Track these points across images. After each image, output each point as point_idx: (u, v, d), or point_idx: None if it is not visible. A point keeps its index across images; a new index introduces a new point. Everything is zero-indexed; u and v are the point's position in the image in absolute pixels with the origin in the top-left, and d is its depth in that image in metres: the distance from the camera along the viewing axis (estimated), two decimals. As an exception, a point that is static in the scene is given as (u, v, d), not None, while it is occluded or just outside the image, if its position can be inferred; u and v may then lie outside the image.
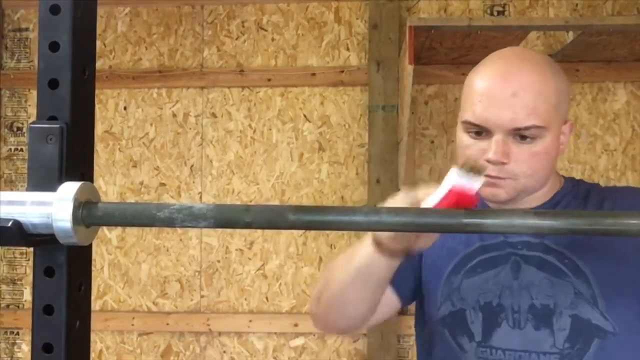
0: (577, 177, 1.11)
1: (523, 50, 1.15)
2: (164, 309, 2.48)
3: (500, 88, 0.95)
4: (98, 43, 2.54)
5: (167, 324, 2.45)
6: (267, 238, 2.46)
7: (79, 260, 0.58)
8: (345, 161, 2.46)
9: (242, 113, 2.50)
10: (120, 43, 2.56)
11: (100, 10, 2.53)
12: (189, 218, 0.55)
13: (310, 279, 2.44)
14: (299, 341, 2.44)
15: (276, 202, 2.47)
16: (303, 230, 2.42)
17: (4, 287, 2.55)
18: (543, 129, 0.95)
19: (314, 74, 2.46)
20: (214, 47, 2.53)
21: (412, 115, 2.41)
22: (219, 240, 2.48)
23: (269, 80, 2.48)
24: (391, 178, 2.35)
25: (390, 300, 1.08)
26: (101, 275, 2.50)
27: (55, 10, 0.58)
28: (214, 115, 2.51)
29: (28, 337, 2.48)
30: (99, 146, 2.52)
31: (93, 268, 2.50)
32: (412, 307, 1.15)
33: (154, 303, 2.49)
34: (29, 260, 2.53)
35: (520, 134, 0.94)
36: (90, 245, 0.59)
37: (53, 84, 0.58)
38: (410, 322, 2.31)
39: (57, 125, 0.57)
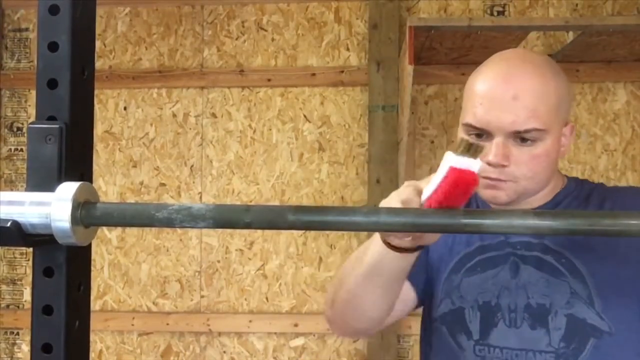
0: (577, 177, 1.11)
1: (524, 52, 1.14)
2: (164, 309, 2.48)
3: (501, 90, 0.95)
4: (98, 43, 2.54)
5: (167, 324, 2.45)
6: (267, 238, 2.46)
7: (78, 261, 0.58)
8: (345, 161, 2.46)
9: (242, 113, 2.50)
10: (120, 43, 2.56)
11: (100, 10, 2.53)
12: (188, 218, 0.55)
13: (310, 279, 2.44)
14: (299, 341, 2.44)
15: (276, 202, 2.47)
16: (303, 231, 2.42)
17: (4, 287, 2.55)
18: (543, 132, 0.95)
19: (314, 74, 2.46)
20: (214, 47, 2.53)
21: (412, 115, 2.41)
22: (219, 241, 2.48)
23: (269, 80, 2.48)
24: (391, 178, 2.35)
25: (407, 296, 1.07)
26: (101, 275, 2.50)
27: (54, 10, 0.58)
28: (214, 115, 2.51)
29: (28, 337, 2.48)
30: (99, 146, 2.52)
31: (93, 268, 2.50)
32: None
33: (154, 303, 2.49)
34: (29, 260, 2.53)
35: (521, 137, 0.95)
36: (89, 246, 0.59)
37: (52, 84, 0.58)
38: (410, 322, 2.33)
39: (57, 126, 0.57)
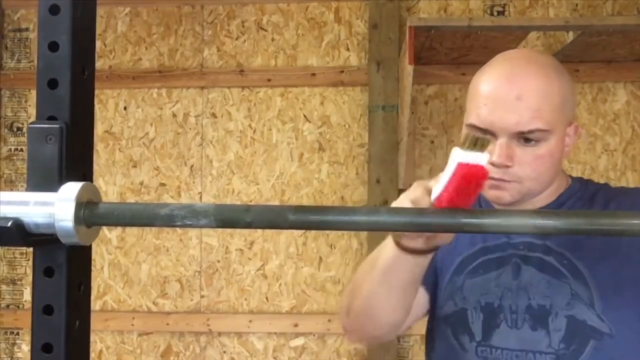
0: (582, 178, 1.11)
1: (528, 52, 1.14)
2: (164, 309, 2.48)
3: (505, 91, 0.95)
4: (98, 43, 2.54)
5: (167, 324, 2.45)
6: (267, 238, 2.46)
7: (78, 261, 0.58)
8: (345, 161, 2.47)
9: (242, 113, 2.50)
10: (120, 43, 2.56)
11: (100, 10, 2.53)
12: (189, 218, 0.55)
13: (310, 279, 2.44)
14: (299, 341, 2.44)
15: (276, 202, 2.47)
16: (303, 230, 2.42)
17: (4, 287, 2.55)
18: (547, 132, 0.94)
19: (314, 74, 2.46)
20: (214, 47, 2.53)
21: (412, 115, 2.41)
22: (219, 240, 2.48)
23: (269, 80, 2.48)
24: (391, 178, 2.35)
25: (421, 299, 1.06)
26: (101, 275, 2.50)
27: (54, 10, 0.58)
28: (214, 115, 2.51)
29: (28, 337, 2.48)
30: (99, 146, 2.52)
31: (93, 268, 2.50)
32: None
33: (154, 303, 2.49)
34: (29, 260, 2.53)
35: (525, 137, 0.94)
36: (89, 246, 0.59)
37: (52, 84, 0.58)
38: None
39: (57, 125, 0.57)
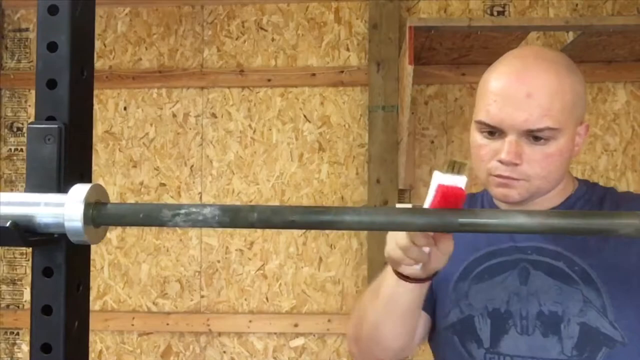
0: (587, 180, 1.09)
1: (539, 49, 1.12)
2: (164, 309, 2.48)
3: (515, 88, 0.94)
4: (98, 43, 2.54)
5: (167, 324, 2.45)
6: (267, 238, 2.46)
7: (77, 261, 0.58)
8: (345, 161, 2.46)
9: (242, 113, 2.50)
10: (120, 43, 2.56)
11: (100, 10, 2.53)
12: (195, 218, 0.55)
13: (310, 279, 2.44)
14: (299, 341, 2.44)
15: (276, 203, 2.47)
16: (303, 230, 2.42)
17: (4, 287, 2.55)
18: (557, 131, 0.93)
19: (314, 74, 2.46)
20: (214, 47, 2.53)
21: (412, 115, 2.41)
22: (219, 241, 2.48)
23: (269, 80, 2.48)
24: (391, 178, 2.34)
25: (424, 321, 1.07)
26: (101, 275, 2.50)
27: (53, 10, 0.58)
28: (214, 115, 2.51)
29: (28, 338, 2.48)
30: (99, 146, 2.52)
31: (93, 268, 2.50)
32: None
33: (154, 303, 2.49)
34: (28, 260, 2.53)
35: (534, 135, 0.93)
36: (88, 246, 0.59)
37: (51, 84, 0.58)
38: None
39: (56, 126, 0.57)
